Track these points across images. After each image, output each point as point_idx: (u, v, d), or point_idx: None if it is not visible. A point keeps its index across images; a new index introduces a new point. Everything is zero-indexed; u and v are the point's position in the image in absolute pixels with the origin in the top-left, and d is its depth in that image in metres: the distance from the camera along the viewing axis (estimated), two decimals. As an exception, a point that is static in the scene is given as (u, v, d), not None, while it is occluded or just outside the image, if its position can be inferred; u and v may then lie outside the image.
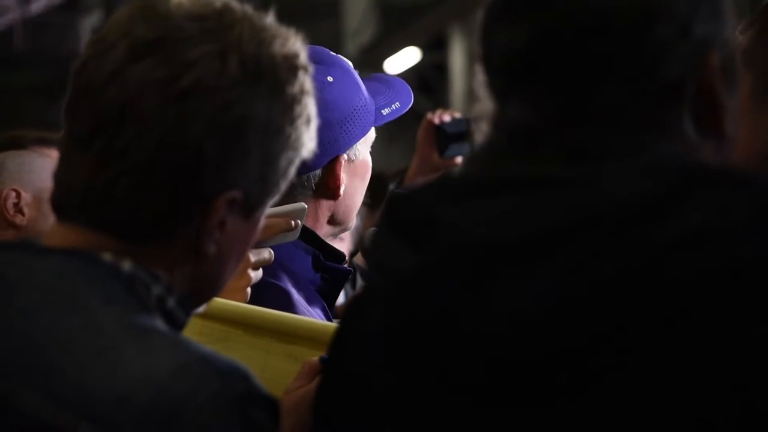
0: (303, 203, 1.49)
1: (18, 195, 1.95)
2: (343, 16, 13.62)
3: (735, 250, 0.81)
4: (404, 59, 13.18)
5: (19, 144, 2.04)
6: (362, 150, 1.69)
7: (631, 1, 0.90)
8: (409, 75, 13.69)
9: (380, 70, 12.67)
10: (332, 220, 1.69)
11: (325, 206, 1.67)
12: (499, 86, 0.94)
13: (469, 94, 13.36)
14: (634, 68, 0.90)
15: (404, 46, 13.00)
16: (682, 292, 0.81)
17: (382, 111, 1.71)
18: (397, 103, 1.73)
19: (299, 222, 1.47)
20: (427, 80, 14.48)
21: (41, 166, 1.99)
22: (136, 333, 0.93)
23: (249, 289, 1.44)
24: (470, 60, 13.48)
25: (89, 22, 16.33)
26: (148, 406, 0.89)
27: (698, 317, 0.81)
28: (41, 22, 15.75)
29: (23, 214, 1.95)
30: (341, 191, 1.66)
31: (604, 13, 0.90)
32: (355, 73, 1.70)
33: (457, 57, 13.67)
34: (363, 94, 1.68)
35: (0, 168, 1.98)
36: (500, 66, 0.94)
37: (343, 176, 1.65)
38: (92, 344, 0.92)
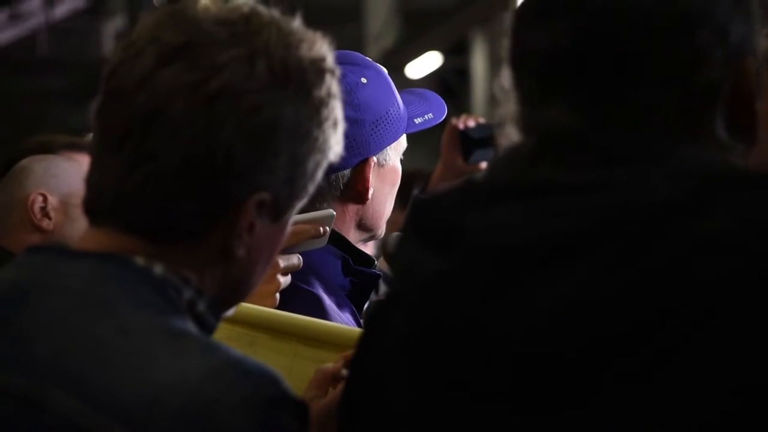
0: (331, 210, 1.49)
1: (45, 199, 1.95)
2: (365, 21, 13.63)
3: (762, 252, 0.81)
4: (426, 64, 13.17)
5: (48, 149, 2.05)
6: (393, 156, 1.68)
7: (671, 4, 0.90)
8: (431, 79, 13.69)
9: (402, 74, 12.66)
10: (360, 226, 1.68)
11: (352, 210, 1.66)
12: (532, 89, 0.93)
13: (491, 99, 13.34)
14: (672, 71, 0.90)
15: (426, 51, 12.99)
16: (708, 293, 0.81)
17: (415, 120, 1.71)
18: (431, 114, 1.74)
19: (328, 228, 1.47)
20: (449, 85, 14.46)
21: (68, 171, 2.00)
22: (169, 337, 0.94)
23: (278, 295, 1.44)
24: (492, 65, 13.47)
25: (112, 27, 16.40)
26: (181, 409, 0.90)
27: (725, 318, 0.80)
28: (64, 27, 15.84)
29: (50, 219, 1.95)
30: (369, 195, 1.65)
31: (646, 15, 0.89)
32: (390, 80, 1.70)
33: (479, 62, 13.65)
34: (396, 100, 1.68)
35: (27, 172, 1.99)
36: (537, 67, 0.93)
37: (372, 180, 1.65)
38: (125, 348, 0.93)
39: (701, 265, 0.81)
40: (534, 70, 0.93)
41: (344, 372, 1.26)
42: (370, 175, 1.65)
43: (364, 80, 1.64)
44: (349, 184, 1.63)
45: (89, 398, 0.91)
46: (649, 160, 0.87)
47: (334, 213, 1.48)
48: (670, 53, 0.89)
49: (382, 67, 1.71)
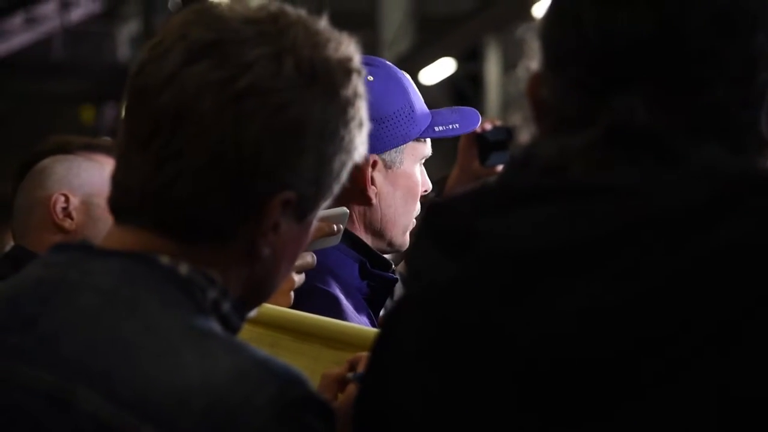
0: (345, 208, 1.48)
1: (67, 199, 1.95)
2: (379, 27, 13.65)
3: None
4: (439, 70, 13.18)
5: (65, 149, 2.04)
6: (406, 161, 1.66)
7: (745, 4, 0.89)
8: (444, 86, 13.70)
9: (415, 80, 12.60)
10: (370, 229, 1.67)
11: (358, 211, 1.65)
12: (591, 80, 0.90)
13: (504, 106, 13.34)
14: (741, 71, 0.89)
15: (440, 57, 13.00)
16: (730, 301, 0.80)
17: (436, 128, 1.69)
18: (457, 124, 1.72)
19: (341, 226, 1.47)
20: (462, 91, 14.47)
21: (89, 171, 1.99)
22: (195, 336, 0.94)
23: (292, 293, 1.44)
24: (505, 71, 13.46)
25: (127, 31, 16.46)
26: (207, 409, 0.90)
27: (748, 326, 0.79)
28: (80, 31, 15.90)
29: (72, 219, 1.95)
30: (372, 195, 1.64)
31: (725, 10, 0.88)
32: (408, 85, 1.68)
33: (493, 68, 13.65)
34: (410, 103, 1.66)
35: (48, 172, 1.99)
36: (609, 55, 0.89)
37: (377, 180, 1.63)
38: (152, 347, 0.93)
39: (722, 273, 0.80)
40: (603, 55, 0.89)
41: (349, 375, 1.26)
42: (371, 175, 1.63)
43: (370, 78, 1.62)
44: (349, 181, 1.63)
45: (116, 397, 0.91)
46: (685, 163, 0.86)
47: (348, 211, 1.48)
48: (742, 52, 0.89)
49: (402, 72, 1.70)
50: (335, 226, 1.46)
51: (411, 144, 1.68)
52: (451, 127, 1.71)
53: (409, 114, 1.66)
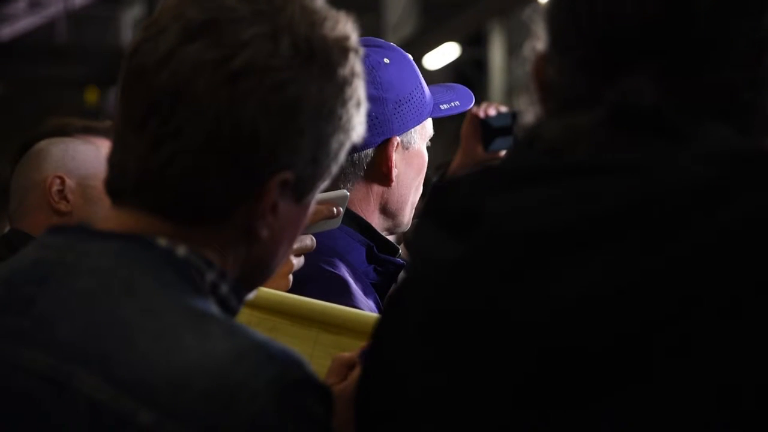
0: (345, 191, 1.47)
1: (62, 182, 1.95)
2: (383, 11, 13.63)
3: None
4: (444, 54, 13.18)
5: (63, 132, 2.04)
6: (418, 141, 1.68)
7: None
8: (448, 70, 13.69)
9: (420, 65, 12.62)
10: (384, 210, 1.67)
11: (377, 192, 1.65)
12: (608, 56, 0.89)
13: (509, 91, 13.33)
14: (748, 53, 0.88)
15: (444, 42, 13.00)
16: (735, 281, 0.79)
17: (441, 106, 1.71)
18: (457, 101, 1.74)
19: (341, 209, 1.46)
20: (466, 76, 14.45)
21: (85, 153, 1.99)
22: (194, 318, 0.93)
23: (291, 276, 1.43)
24: (510, 56, 13.45)
25: (131, 15, 16.46)
26: (206, 391, 0.89)
27: (753, 306, 0.78)
28: (83, 14, 15.90)
29: (68, 201, 1.94)
30: (393, 176, 1.64)
31: None
32: (415, 66, 1.70)
33: (497, 53, 13.63)
34: (420, 84, 1.68)
35: (44, 154, 1.98)
36: (617, 35, 0.89)
37: (396, 161, 1.64)
38: (150, 329, 0.92)
39: (729, 251, 0.79)
40: (610, 36, 0.89)
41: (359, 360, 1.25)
42: (394, 156, 1.63)
43: (386, 60, 1.64)
44: (373, 164, 1.62)
45: (113, 378, 0.90)
46: (691, 141, 0.85)
47: (348, 194, 1.47)
48: (750, 35, 0.88)
49: (406, 53, 1.71)
50: (335, 209, 1.45)
51: (420, 123, 1.68)
52: (453, 104, 1.73)
53: (422, 94, 1.67)
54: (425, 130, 1.70)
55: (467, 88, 1.79)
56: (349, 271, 1.58)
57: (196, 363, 0.90)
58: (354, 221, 1.63)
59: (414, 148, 1.67)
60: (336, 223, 1.48)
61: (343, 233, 1.59)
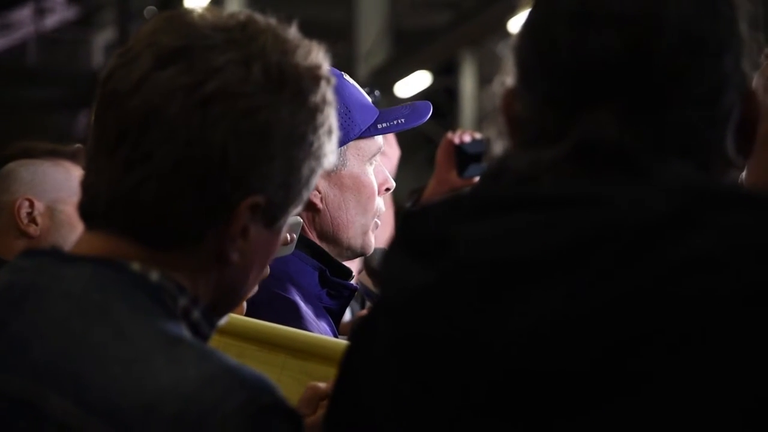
0: (298, 217, 1.47)
1: (31, 204, 1.94)
2: (355, 39, 13.68)
3: (748, 275, 0.81)
4: (415, 83, 13.23)
5: (30, 155, 2.02)
6: (350, 162, 1.65)
7: (712, 27, 0.91)
8: (420, 98, 13.71)
9: (391, 93, 12.69)
10: (322, 235, 1.65)
11: (308, 218, 1.64)
12: (567, 93, 0.91)
13: (479, 119, 13.40)
14: (706, 93, 0.90)
15: (415, 70, 13.06)
16: (689, 314, 0.80)
17: (379, 125, 1.66)
18: (402, 119, 1.68)
19: (295, 236, 1.46)
20: (438, 104, 14.47)
21: (54, 176, 1.98)
22: (165, 343, 0.93)
23: (245, 303, 1.42)
24: (480, 85, 13.52)
25: (103, 39, 16.42)
26: (176, 415, 0.89)
27: (710, 341, 0.80)
28: (55, 37, 15.84)
29: (36, 224, 1.93)
30: (317, 201, 1.62)
31: (693, 34, 0.90)
32: (344, 86, 1.65)
33: (468, 81, 13.71)
34: (342, 105, 1.60)
35: (13, 176, 1.97)
36: (580, 71, 0.90)
37: (319, 184, 1.61)
38: (122, 353, 0.92)
39: (682, 285, 0.81)
40: (575, 74, 0.91)
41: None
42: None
43: None
44: None
45: (85, 402, 0.90)
46: (651, 177, 0.87)
47: (300, 220, 1.47)
48: (708, 74, 0.90)
49: (346, 76, 1.67)
50: (288, 236, 1.46)
51: (354, 144, 1.65)
52: (395, 122, 1.68)
53: (345, 116, 1.63)
54: (363, 149, 1.66)
55: (429, 103, 1.74)
56: (300, 295, 1.58)
57: (167, 387, 0.90)
58: (306, 245, 1.62)
59: (344, 170, 1.64)
60: (290, 249, 1.48)
61: (296, 258, 1.58)
